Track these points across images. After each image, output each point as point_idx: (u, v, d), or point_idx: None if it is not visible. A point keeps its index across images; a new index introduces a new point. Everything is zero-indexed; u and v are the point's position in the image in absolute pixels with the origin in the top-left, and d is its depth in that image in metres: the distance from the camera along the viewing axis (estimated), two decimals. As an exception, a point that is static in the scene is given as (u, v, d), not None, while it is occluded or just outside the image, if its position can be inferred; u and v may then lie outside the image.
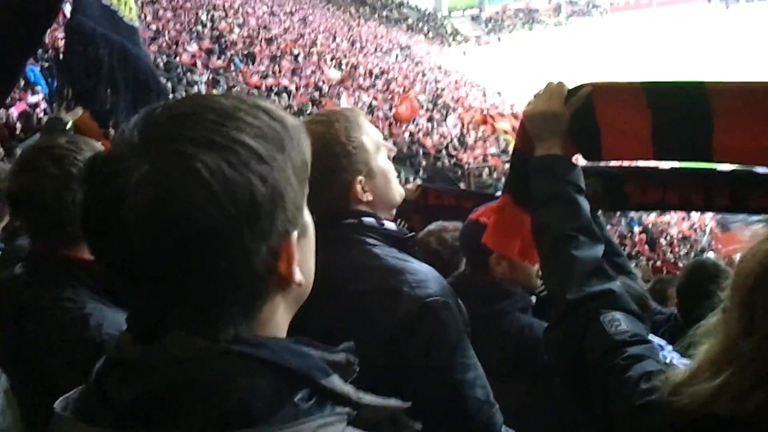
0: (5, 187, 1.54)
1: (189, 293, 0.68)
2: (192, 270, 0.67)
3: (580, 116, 1.46)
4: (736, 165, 1.52)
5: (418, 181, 4.39)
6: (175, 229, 0.65)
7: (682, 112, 1.40)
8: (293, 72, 21.89)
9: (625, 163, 1.81)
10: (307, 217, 0.80)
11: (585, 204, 1.41)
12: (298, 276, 0.75)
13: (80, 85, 0.62)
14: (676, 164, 1.60)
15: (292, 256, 0.74)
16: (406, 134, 20.08)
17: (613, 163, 1.68)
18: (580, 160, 1.54)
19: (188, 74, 15.88)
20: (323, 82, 22.04)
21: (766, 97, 1.33)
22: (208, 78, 16.62)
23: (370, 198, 1.50)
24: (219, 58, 19.20)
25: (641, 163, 1.69)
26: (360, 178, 1.48)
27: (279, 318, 0.78)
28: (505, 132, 24.00)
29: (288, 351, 0.72)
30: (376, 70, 29.20)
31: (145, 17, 19.72)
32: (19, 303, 1.54)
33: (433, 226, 2.65)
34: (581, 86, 1.49)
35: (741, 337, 0.94)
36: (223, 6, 29.01)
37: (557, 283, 1.36)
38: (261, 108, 0.73)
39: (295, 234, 0.75)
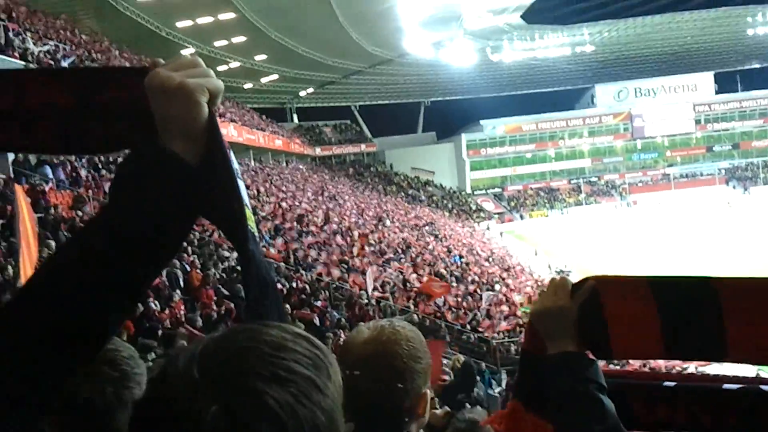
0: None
1: None
2: None
3: (587, 311, 1.41)
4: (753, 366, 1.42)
5: (446, 408, 4.35)
6: None
7: (690, 309, 1.35)
8: (320, 246, 22.49)
9: (630, 367, 1.56)
10: None
11: (609, 403, 1.31)
12: None
13: (256, 304, 0.76)
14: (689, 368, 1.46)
15: None
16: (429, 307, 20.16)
17: (620, 368, 1.51)
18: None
19: (218, 250, 16.38)
20: (350, 257, 22.54)
21: None
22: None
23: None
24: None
25: (646, 372, 1.51)
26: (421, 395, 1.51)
27: None
28: (521, 304, 24.12)
29: None
30: (402, 245, 29.89)
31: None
32: None
33: None
34: (585, 280, 1.45)
35: None
36: (254, 185, 30.43)
37: None
38: (302, 336, 0.76)
39: None
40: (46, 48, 19.84)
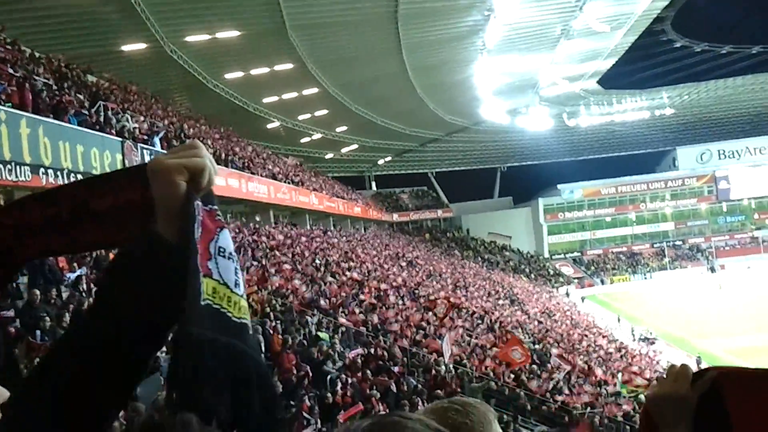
0: None
1: None
2: None
3: (707, 402, 1.35)
4: None
5: None
6: None
7: None
8: (398, 312, 22.75)
9: None
10: None
11: None
12: None
13: (186, 392, 0.82)
14: None
15: None
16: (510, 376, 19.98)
17: None
18: None
19: (299, 316, 16.95)
20: (427, 323, 22.70)
21: None
22: (319, 319, 17.62)
23: None
24: (329, 300, 20.41)
25: None
26: None
27: None
28: (637, 386, 23.07)
29: None
30: (479, 311, 29.82)
31: (266, 263, 21.62)
32: None
33: None
34: (706, 370, 1.39)
35: None
36: (334, 251, 31.18)
37: None
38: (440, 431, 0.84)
39: None
40: (139, 124, 21.31)
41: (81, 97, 19.30)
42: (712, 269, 61.83)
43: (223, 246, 1.01)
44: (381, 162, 71.45)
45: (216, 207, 1.05)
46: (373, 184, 72.66)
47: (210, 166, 1.02)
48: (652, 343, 35.42)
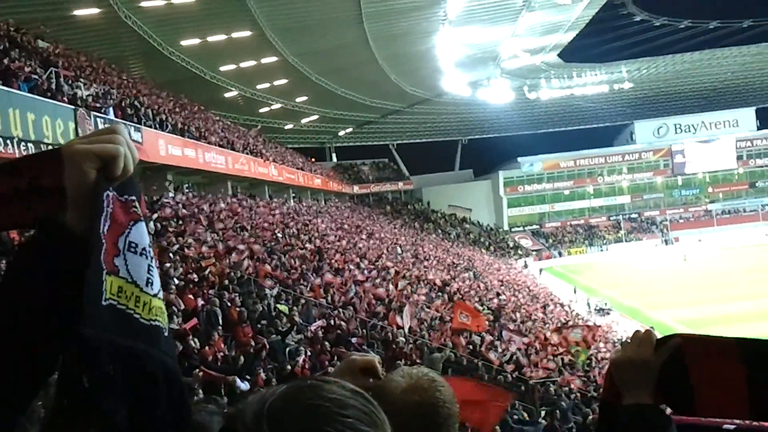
0: None
1: None
2: None
3: (670, 367, 1.38)
4: None
5: None
6: None
7: None
8: (358, 284, 22.70)
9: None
10: None
11: None
12: None
13: (77, 394, 0.75)
14: None
15: None
16: (470, 345, 20.14)
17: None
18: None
19: (257, 289, 16.79)
20: (387, 295, 22.71)
21: None
22: (278, 291, 17.46)
23: None
24: (290, 272, 20.25)
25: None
26: None
27: None
28: (576, 343, 23.72)
29: None
30: (438, 283, 29.98)
31: (224, 235, 21.29)
32: None
33: None
34: (671, 336, 1.42)
35: None
36: (294, 223, 30.93)
37: None
38: (358, 393, 0.80)
39: None
40: (93, 92, 20.67)
41: (32, 63, 18.62)
42: (667, 242, 63.28)
43: (134, 241, 0.94)
44: (342, 133, 70.96)
45: (134, 198, 0.98)
46: (334, 155, 72.22)
47: (126, 154, 0.94)
48: (607, 314, 36.10)
